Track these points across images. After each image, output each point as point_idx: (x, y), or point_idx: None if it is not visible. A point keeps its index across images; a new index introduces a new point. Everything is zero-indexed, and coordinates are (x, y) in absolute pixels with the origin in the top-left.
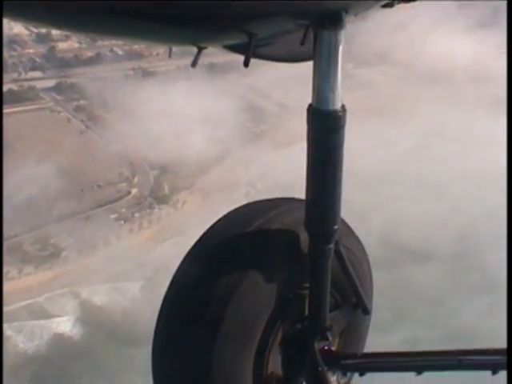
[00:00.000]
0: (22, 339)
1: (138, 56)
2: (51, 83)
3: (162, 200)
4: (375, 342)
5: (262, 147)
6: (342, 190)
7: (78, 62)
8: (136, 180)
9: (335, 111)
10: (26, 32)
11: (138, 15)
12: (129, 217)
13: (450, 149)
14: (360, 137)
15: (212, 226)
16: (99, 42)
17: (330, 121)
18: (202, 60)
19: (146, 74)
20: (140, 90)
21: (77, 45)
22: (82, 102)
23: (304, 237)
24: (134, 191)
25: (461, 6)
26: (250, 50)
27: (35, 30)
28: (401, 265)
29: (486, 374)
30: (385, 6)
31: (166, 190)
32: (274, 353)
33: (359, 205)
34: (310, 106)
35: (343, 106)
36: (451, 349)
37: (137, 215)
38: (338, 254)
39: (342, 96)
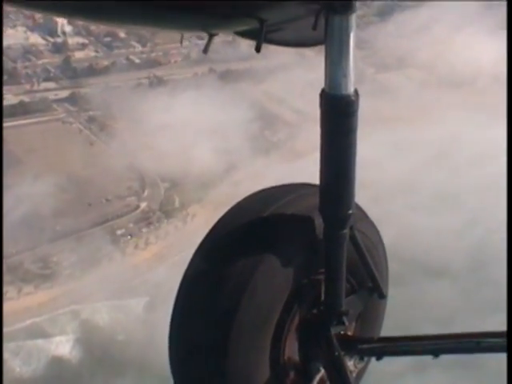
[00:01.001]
0: (18, 363)
1: (155, 63)
2: (65, 94)
3: (171, 214)
4: (372, 368)
5: (278, 157)
6: (355, 174)
7: (94, 71)
8: (146, 193)
9: (348, 96)
10: (43, 42)
11: (149, 1)
12: (136, 232)
13: (469, 156)
14: (376, 145)
15: (226, 213)
16: (116, 51)
17: (342, 105)
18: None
19: (162, 82)
20: (154, 99)
21: (93, 54)
22: (94, 112)
23: (319, 222)
24: (143, 205)
25: (487, 6)
26: (262, 36)
27: (51, 40)
28: (412, 281)
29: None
30: None
31: (177, 203)
32: (290, 338)
33: (371, 217)
34: (323, 91)
35: (356, 91)
36: (469, 331)
37: (144, 230)
38: (352, 238)
39: (362, 103)
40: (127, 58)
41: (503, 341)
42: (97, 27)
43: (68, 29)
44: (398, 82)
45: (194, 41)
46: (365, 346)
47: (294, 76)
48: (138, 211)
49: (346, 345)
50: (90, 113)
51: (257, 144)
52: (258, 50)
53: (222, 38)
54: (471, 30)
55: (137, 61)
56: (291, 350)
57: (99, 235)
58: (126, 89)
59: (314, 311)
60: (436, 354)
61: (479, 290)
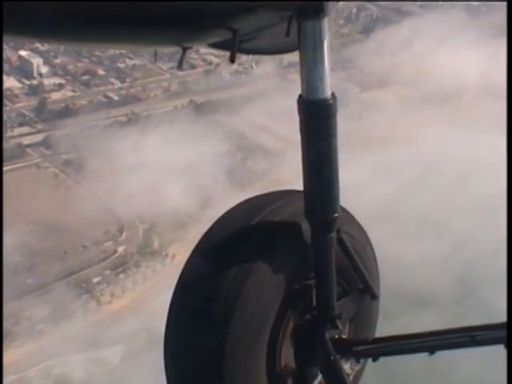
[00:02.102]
0: None
1: (134, 99)
2: (39, 138)
3: (149, 256)
4: None
5: (263, 187)
6: (339, 177)
7: (70, 112)
8: (124, 236)
9: (325, 100)
10: (18, 85)
11: (120, 19)
12: (112, 279)
13: (454, 177)
14: (358, 168)
15: (213, 225)
16: (94, 88)
17: (321, 110)
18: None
19: (140, 118)
20: (131, 137)
21: (70, 93)
22: (70, 155)
23: (306, 227)
24: (120, 249)
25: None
26: (235, 46)
27: (28, 82)
28: (397, 313)
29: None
30: None
31: (156, 244)
32: (285, 345)
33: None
34: (300, 96)
35: (333, 94)
36: (463, 326)
37: (121, 276)
38: (340, 241)
39: (346, 124)
40: (105, 96)
41: (498, 333)
42: (74, 66)
43: (44, 70)
44: (383, 101)
45: (174, 72)
46: (360, 347)
47: (277, 103)
48: (115, 256)
49: (341, 348)
50: (66, 156)
51: (240, 176)
52: (232, 60)
53: (204, 68)
54: (455, 42)
55: (115, 98)
56: (287, 356)
57: (74, 285)
58: (103, 128)
59: (308, 317)
60: (432, 350)
61: (468, 318)
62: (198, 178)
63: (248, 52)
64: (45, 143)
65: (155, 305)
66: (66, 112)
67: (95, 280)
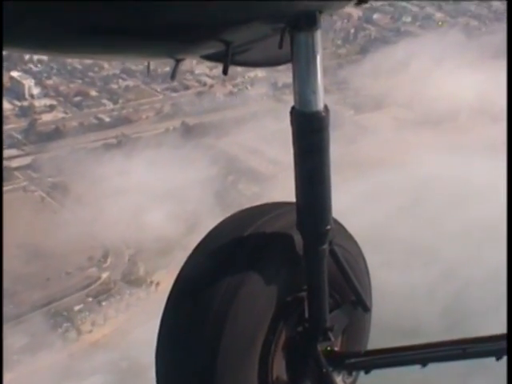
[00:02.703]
0: None
1: (126, 121)
2: (27, 160)
3: (134, 283)
4: None
5: None
6: (331, 190)
7: (60, 133)
8: (108, 263)
9: (318, 112)
10: (10, 106)
11: (112, 31)
12: (95, 307)
13: (445, 202)
14: (348, 194)
15: (206, 236)
16: (85, 110)
17: (313, 122)
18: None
19: (130, 141)
20: (120, 160)
21: (61, 115)
22: (58, 178)
23: (298, 239)
24: (104, 276)
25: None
26: (228, 58)
27: (19, 104)
28: (379, 347)
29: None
30: (359, 3)
31: (141, 271)
32: (277, 357)
33: None
34: (293, 108)
35: (326, 106)
36: (455, 338)
37: (104, 304)
38: (332, 253)
39: (340, 148)
40: (97, 117)
41: (490, 346)
42: (67, 87)
43: (36, 91)
44: (377, 123)
45: (168, 94)
46: (352, 360)
47: (270, 125)
48: (98, 283)
49: (333, 360)
50: (53, 179)
51: (230, 200)
52: (224, 72)
53: (198, 89)
54: (451, 63)
55: (107, 119)
56: (279, 369)
57: (55, 313)
58: (92, 150)
59: (300, 329)
60: (424, 363)
61: None
62: (188, 202)
63: (241, 64)
64: (32, 166)
65: (137, 334)
66: (56, 134)
67: (77, 308)
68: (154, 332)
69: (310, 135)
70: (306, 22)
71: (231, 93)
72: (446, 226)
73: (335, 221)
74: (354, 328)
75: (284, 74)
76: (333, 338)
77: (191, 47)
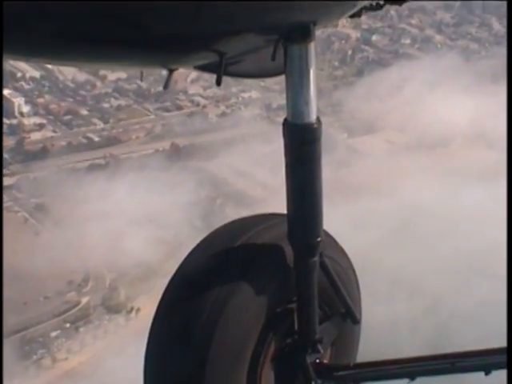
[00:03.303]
0: None
1: (115, 141)
2: (13, 180)
3: (114, 309)
4: None
5: None
6: (322, 202)
7: (47, 153)
8: (89, 287)
9: (310, 124)
10: None
11: (107, 40)
12: (72, 333)
13: (433, 232)
14: (334, 220)
15: (197, 246)
16: (75, 129)
17: (305, 134)
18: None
19: (118, 161)
20: (106, 182)
21: (50, 134)
22: (42, 199)
23: (289, 250)
24: (84, 301)
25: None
26: (221, 69)
27: (8, 122)
28: None
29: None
30: (352, 16)
31: (122, 296)
32: (266, 369)
33: None
34: (286, 120)
35: (318, 118)
36: (443, 352)
37: (82, 330)
38: (323, 265)
39: (332, 172)
40: (86, 137)
41: (478, 360)
42: (57, 105)
43: (26, 109)
44: (370, 147)
45: (160, 114)
46: (341, 372)
47: (262, 147)
48: (77, 308)
49: (322, 373)
50: (37, 200)
51: (216, 224)
52: (218, 83)
53: (191, 109)
54: (446, 87)
55: (96, 139)
56: (268, 380)
57: (30, 339)
58: (78, 171)
59: (289, 340)
60: (412, 376)
61: None
62: (173, 226)
63: (234, 75)
64: (17, 186)
65: (113, 362)
66: (43, 153)
67: (53, 334)
68: (131, 359)
69: (302, 147)
70: (300, 34)
71: (224, 114)
72: (432, 255)
73: (326, 233)
74: (343, 340)
75: (279, 95)
76: (322, 350)
77: (185, 57)
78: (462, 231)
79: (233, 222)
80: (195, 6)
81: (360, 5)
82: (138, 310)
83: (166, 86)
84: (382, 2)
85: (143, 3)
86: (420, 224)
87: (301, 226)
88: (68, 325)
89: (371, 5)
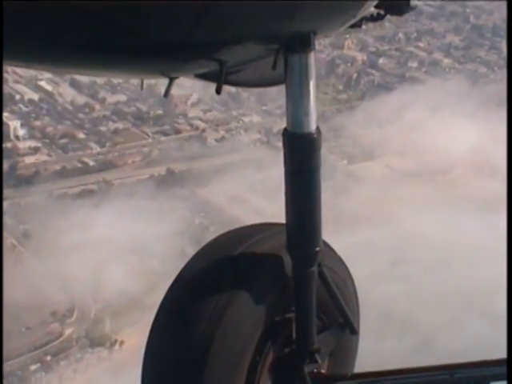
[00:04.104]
0: None
1: (111, 165)
2: (4, 205)
3: (97, 341)
4: None
5: None
6: (321, 211)
7: (41, 177)
8: (73, 318)
9: (310, 134)
10: None
11: (106, 48)
12: (53, 366)
13: (428, 264)
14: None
15: (196, 254)
16: (71, 153)
17: (305, 144)
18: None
19: (110, 187)
20: (98, 208)
21: (45, 158)
22: (31, 225)
23: (287, 260)
24: (67, 332)
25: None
26: (222, 78)
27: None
28: None
29: None
30: (353, 26)
31: (107, 328)
32: (264, 379)
33: None
34: (285, 129)
35: (318, 128)
36: (442, 363)
37: (62, 363)
38: (321, 275)
39: (331, 201)
40: (81, 161)
41: (477, 371)
42: (54, 128)
43: (22, 132)
44: (370, 174)
45: (157, 137)
46: (339, 383)
47: (260, 173)
48: (59, 340)
49: (320, 383)
50: (26, 226)
51: None
52: (218, 91)
53: (189, 133)
54: (447, 113)
55: (91, 163)
56: None
57: (9, 372)
58: (70, 197)
59: (287, 350)
60: None
61: None
62: (163, 254)
63: (234, 84)
64: (8, 211)
65: None
66: (36, 178)
67: (33, 367)
68: None
69: (302, 156)
70: (300, 43)
71: (223, 138)
72: (425, 290)
73: (324, 243)
74: (341, 350)
75: (280, 120)
76: (320, 360)
77: (185, 66)
78: (455, 265)
79: (232, 231)
80: (196, 14)
81: (360, 15)
82: (122, 342)
83: (166, 95)
84: (382, 13)
85: (144, 11)
86: (414, 256)
87: (300, 236)
88: (49, 357)
89: (372, 15)
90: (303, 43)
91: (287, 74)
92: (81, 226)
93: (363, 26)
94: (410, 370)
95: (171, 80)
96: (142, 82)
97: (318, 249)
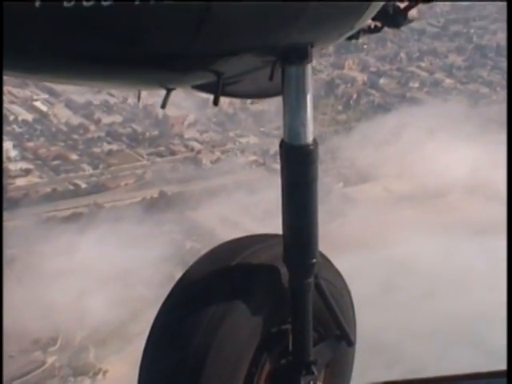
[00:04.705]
0: None
1: (103, 188)
2: None
3: (80, 370)
4: None
5: None
6: (318, 223)
7: (30, 200)
8: (58, 345)
9: (307, 145)
10: None
11: (104, 59)
12: None
13: (418, 292)
14: None
15: (192, 265)
16: (63, 175)
17: (302, 155)
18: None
19: (100, 210)
20: (86, 232)
21: (36, 180)
22: (17, 250)
23: (284, 271)
24: (50, 360)
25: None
26: (219, 89)
27: None
28: None
29: None
30: (350, 38)
31: (91, 356)
32: None
33: None
34: (282, 141)
35: (315, 140)
36: (445, 374)
37: None
38: (318, 287)
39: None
40: (73, 183)
41: (478, 383)
42: (47, 150)
43: (14, 153)
44: (366, 197)
45: (152, 159)
46: None
47: (255, 196)
48: (41, 369)
49: None
50: (13, 251)
51: None
52: (215, 103)
53: (185, 155)
54: (445, 135)
55: (83, 186)
56: None
57: None
58: (58, 220)
59: (283, 361)
60: None
61: None
62: (152, 280)
63: (231, 95)
64: None
65: None
66: (26, 200)
67: None
68: None
69: (299, 168)
70: (297, 55)
71: (218, 159)
72: (413, 320)
73: (321, 254)
74: (337, 362)
75: (277, 141)
76: (316, 372)
77: (182, 77)
78: (446, 294)
79: (228, 242)
80: (194, 26)
81: (358, 27)
82: (106, 371)
83: (163, 106)
84: (379, 25)
85: (142, 22)
86: (407, 283)
87: (296, 247)
88: None
89: (369, 27)
90: (300, 55)
91: (284, 85)
92: (65, 250)
93: (363, 45)
94: (409, 382)
95: (169, 91)
96: (139, 94)
97: (314, 260)
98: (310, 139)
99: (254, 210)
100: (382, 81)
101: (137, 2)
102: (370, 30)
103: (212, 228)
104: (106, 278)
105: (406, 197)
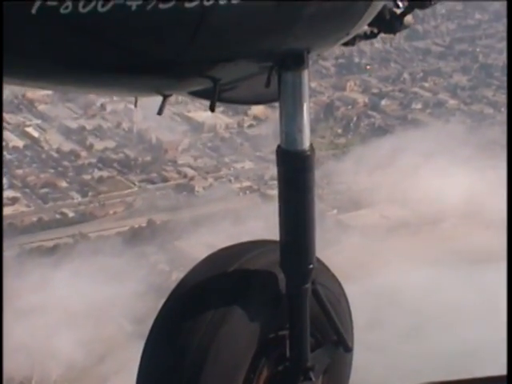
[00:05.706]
0: None
1: (91, 217)
2: None
3: None
4: None
5: None
6: (315, 228)
7: (15, 230)
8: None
9: (303, 151)
10: None
11: (100, 66)
12: None
13: (404, 327)
14: None
15: (189, 272)
16: (51, 203)
17: (298, 161)
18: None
19: (87, 241)
20: (70, 264)
21: (23, 209)
22: None
23: (281, 277)
24: None
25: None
26: (215, 96)
27: None
28: None
29: None
30: (346, 44)
31: None
32: None
33: None
34: (279, 147)
35: (311, 146)
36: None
37: None
38: (315, 292)
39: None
40: (60, 212)
41: None
42: (36, 177)
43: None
44: (360, 224)
45: (144, 186)
46: None
47: (249, 224)
48: None
49: None
50: None
51: None
52: (212, 109)
53: (177, 181)
54: (442, 160)
55: (70, 214)
56: None
57: None
58: (41, 252)
59: (280, 367)
60: None
61: None
62: (138, 312)
63: (228, 101)
64: None
65: None
66: (10, 231)
67: None
68: None
69: (295, 174)
70: (294, 61)
71: (211, 186)
72: (396, 359)
73: (318, 260)
74: (335, 368)
75: (273, 165)
76: (314, 378)
77: (179, 83)
78: (433, 331)
79: (225, 249)
80: (190, 31)
81: (354, 33)
82: None
83: (160, 112)
84: (375, 31)
85: (138, 29)
86: (389, 318)
87: (293, 253)
88: None
89: (365, 33)
90: (297, 61)
91: (281, 91)
92: (44, 285)
93: (366, 65)
94: None
95: (165, 98)
96: (136, 100)
97: (311, 266)
98: (306, 145)
99: (243, 238)
100: (383, 102)
101: (133, 9)
102: (366, 36)
103: (200, 258)
104: (81, 314)
105: (400, 224)
